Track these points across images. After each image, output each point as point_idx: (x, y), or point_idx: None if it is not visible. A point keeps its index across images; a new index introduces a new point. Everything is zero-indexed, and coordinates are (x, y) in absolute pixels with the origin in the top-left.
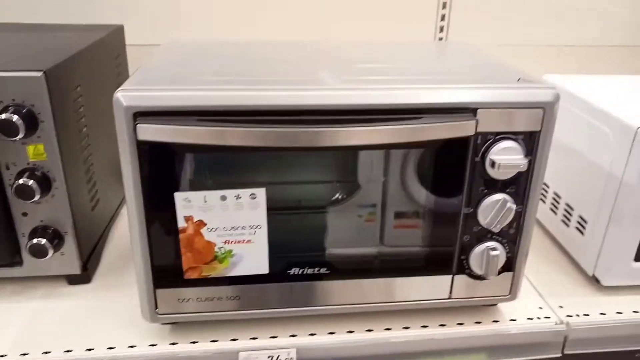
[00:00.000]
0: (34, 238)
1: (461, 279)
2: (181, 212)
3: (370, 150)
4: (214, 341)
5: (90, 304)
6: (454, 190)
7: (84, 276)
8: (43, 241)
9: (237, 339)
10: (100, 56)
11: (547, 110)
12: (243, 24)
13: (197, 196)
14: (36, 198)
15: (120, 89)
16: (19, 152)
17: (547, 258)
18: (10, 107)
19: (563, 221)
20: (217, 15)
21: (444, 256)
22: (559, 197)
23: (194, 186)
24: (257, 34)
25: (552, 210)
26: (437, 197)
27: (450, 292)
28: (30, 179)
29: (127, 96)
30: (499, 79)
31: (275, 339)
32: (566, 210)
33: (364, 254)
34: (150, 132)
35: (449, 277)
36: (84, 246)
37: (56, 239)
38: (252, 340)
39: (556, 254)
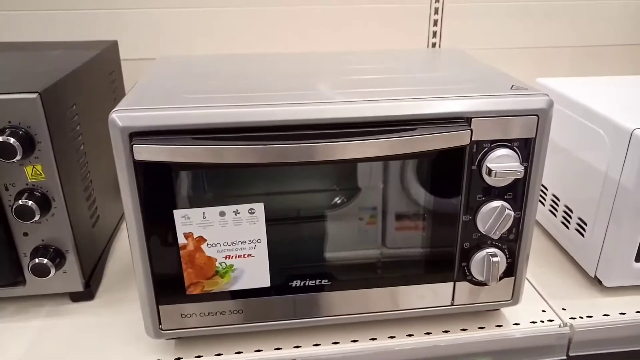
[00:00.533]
0: (35, 257)
1: (463, 286)
2: (181, 229)
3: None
4: (218, 355)
5: (94, 320)
6: (452, 197)
7: (86, 293)
8: (45, 260)
9: (241, 352)
10: (95, 73)
11: (541, 117)
12: (236, 36)
13: (196, 213)
14: (36, 218)
15: (115, 109)
16: (17, 173)
17: (549, 260)
18: (6, 130)
19: (563, 223)
20: (212, 28)
21: (445, 263)
22: (558, 199)
23: (193, 202)
24: (250, 46)
25: (551, 212)
26: (436, 204)
27: (453, 299)
28: (30, 199)
29: (122, 117)
30: (492, 87)
31: (280, 350)
32: (565, 212)
33: (366, 258)
34: (147, 152)
35: (451, 284)
36: (86, 263)
37: (58, 257)
38: (256, 353)
39: (557, 255)
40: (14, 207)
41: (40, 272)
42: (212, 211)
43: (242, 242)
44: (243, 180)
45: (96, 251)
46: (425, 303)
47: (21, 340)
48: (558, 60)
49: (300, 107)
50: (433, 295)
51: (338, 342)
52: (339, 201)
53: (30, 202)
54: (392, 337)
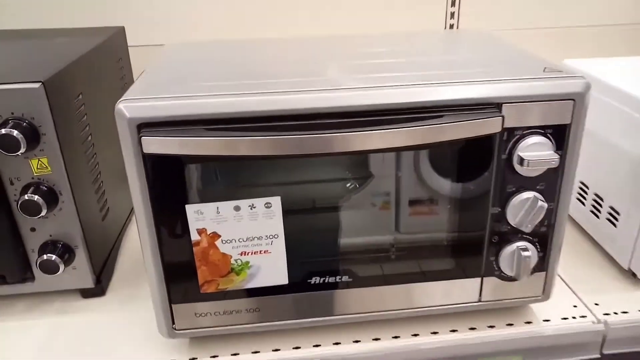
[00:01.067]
0: (43, 254)
1: (491, 281)
2: (194, 225)
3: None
4: (235, 355)
5: (106, 317)
6: (479, 188)
7: (97, 289)
8: (53, 257)
9: (258, 352)
10: (102, 61)
11: (577, 101)
12: (247, 21)
13: (209, 208)
14: (43, 213)
15: (122, 99)
16: (22, 166)
17: (578, 252)
18: (9, 121)
19: (592, 212)
20: (222, 12)
21: (472, 257)
22: (587, 187)
23: (205, 196)
24: (262, 31)
25: (579, 201)
26: (461, 195)
27: (480, 295)
28: (35, 194)
29: (130, 107)
30: (523, 70)
31: (299, 349)
32: (595, 201)
33: (387, 253)
34: (156, 144)
35: (478, 279)
36: (96, 258)
37: (67, 253)
38: (274, 352)
39: (587, 247)
40: (19, 202)
41: (49, 268)
42: (227, 206)
43: (259, 238)
44: (257, 170)
45: (106, 245)
46: (451, 300)
47: (32, 339)
48: (582, 41)
49: (318, 94)
50: (459, 291)
51: (359, 341)
52: (352, 189)
53: (36, 197)
54: (415, 335)
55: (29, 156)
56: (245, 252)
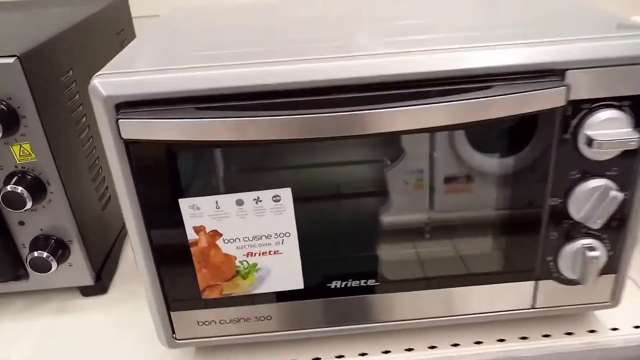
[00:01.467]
0: (34, 250)
1: (547, 285)
2: (189, 222)
3: None
4: None
5: (107, 317)
6: (534, 174)
7: (98, 286)
8: (44, 254)
9: None
10: (99, 32)
11: None
12: None
13: (206, 202)
14: (28, 206)
15: (98, 73)
16: (3, 154)
17: None
18: None
19: None
20: None
21: (524, 257)
22: None
23: (203, 187)
24: None
25: None
26: (512, 182)
27: (534, 301)
28: (19, 184)
29: (106, 83)
30: (589, 28)
31: None
32: None
33: (422, 250)
34: (137, 129)
35: (532, 283)
36: (95, 253)
37: (60, 249)
38: None
39: None
40: (1, 193)
41: (40, 267)
42: (227, 200)
43: (267, 237)
44: (265, 154)
45: (108, 238)
46: (498, 306)
47: (28, 340)
48: None
49: (338, 62)
50: (508, 296)
51: (389, 351)
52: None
53: (19, 188)
54: (455, 345)
55: (9, 142)
56: (252, 253)
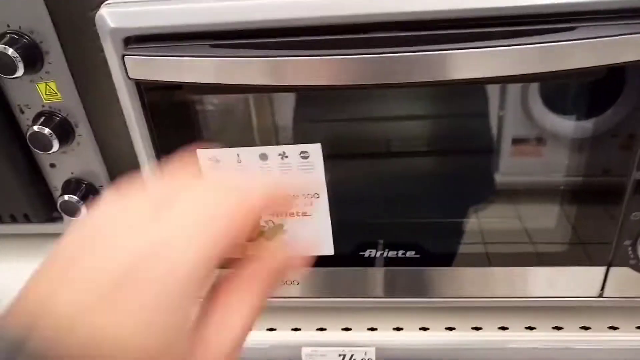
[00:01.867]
0: (65, 194)
1: (621, 272)
2: (209, 176)
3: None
4: (271, 330)
5: None
6: (618, 142)
7: None
8: (74, 198)
9: (300, 329)
10: None
11: None
12: None
13: (227, 154)
14: (55, 148)
15: (105, 2)
16: (30, 92)
17: None
18: (6, 35)
19: None
20: None
21: (597, 239)
22: None
23: (224, 137)
24: None
25: None
26: (587, 153)
27: (602, 289)
28: (46, 125)
29: (114, 13)
30: None
31: (349, 332)
32: None
33: (473, 221)
34: (145, 67)
35: (603, 269)
36: None
37: (91, 194)
38: (318, 332)
39: None
40: (27, 135)
41: (70, 210)
42: (250, 153)
43: (294, 196)
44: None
45: None
46: (559, 291)
47: None
48: None
49: None
50: (573, 281)
51: (427, 329)
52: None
53: (46, 130)
54: (504, 329)
55: (35, 79)
56: (277, 213)
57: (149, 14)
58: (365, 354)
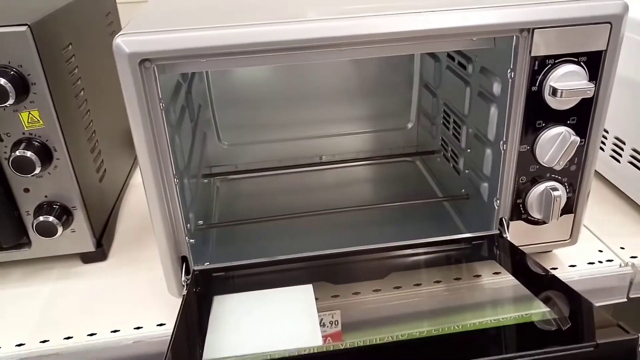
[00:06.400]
0: (40, 215)
1: (517, 225)
2: None
3: None
4: None
5: (109, 282)
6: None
7: (99, 253)
8: (50, 218)
9: None
10: (90, 12)
11: (614, 25)
12: None
13: None
14: (37, 171)
15: (120, 33)
16: (12, 120)
17: (599, 199)
18: None
19: (613, 157)
20: None
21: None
22: (606, 131)
23: None
24: None
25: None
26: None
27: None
28: (28, 149)
29: (130, 41)
30: None
31: (317, 301)
32: (616, 145)
33: None
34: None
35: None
36: (96, 221)
37: (64, 214)
38: None
39: (607, 193)
40: (10, 159)
41: (46, 231)
42: None
43: None
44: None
45: (105, 208)
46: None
47: (32, 307)
48: None
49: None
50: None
51: (380, 290)
52: None
53: (29, 153)
54: (418, 285)
55: (19, 109)
56: None
57: (159, 40)
58: (332, 316)
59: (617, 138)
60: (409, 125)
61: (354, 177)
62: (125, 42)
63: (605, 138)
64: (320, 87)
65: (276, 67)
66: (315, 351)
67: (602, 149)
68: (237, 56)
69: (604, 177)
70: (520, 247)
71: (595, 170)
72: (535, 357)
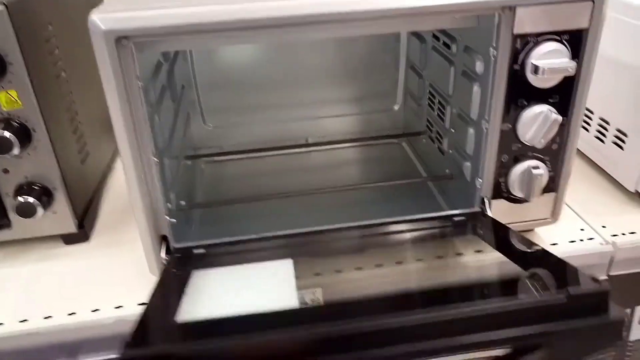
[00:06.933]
0: (19, 196)
1: (499, 204)
2: None
3: None
4: None
5: (91, 263)
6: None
7: (81, 234)
8: (30, 199)
9: None
10: None
11: (596, 2)
12: None
13: None
14: (16, 152)
15: (96, 9)
16: None
17: (582, 178)
18: None
19: (597, 138)
20: None
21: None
22: (591, 112)
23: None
24: None
25: (583, 127)
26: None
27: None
28: (6, 130)
29: (105, 18)
30: None
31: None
32: (600, 126)
33: None
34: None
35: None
36: (78, 202)
37: (45, 195)
38: None
39: (590, 173)
40: None
41: (26, 211)
42: None
43: None
44: None
45: (87, 189)
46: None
47: (12, 287)
48: None
49: None
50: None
51: (361, 268)
52: None
53: (7, 133)
54: (399, 263)
55: None
56: None
57: (137, 18)
58: (314, 294)
59: (602, 119)
60: (396, 107)
61: (340, 159)
62: (101, 20)
63: (590, 119)
64: (306, 68)
65: (262, 48)
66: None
67: (586, 129)
68: (217, 33)
69: (588, 158)
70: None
71: (580, 151)
72: (509, 308)
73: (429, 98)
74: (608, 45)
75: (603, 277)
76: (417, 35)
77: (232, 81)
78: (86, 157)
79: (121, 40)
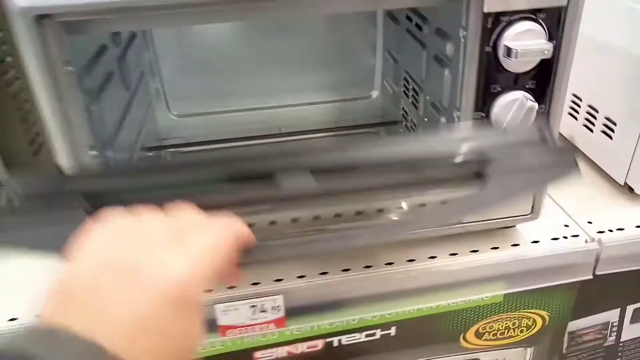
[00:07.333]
0: None
1: None
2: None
3: None
4: None
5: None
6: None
7: None
8: None
9: (211, 290)
10: None
11: None
12: None
13: None
14: None
15: None
16: None
17: None
18: None
19: (586, 126)
20: None
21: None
22: (579, 99)
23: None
24: None
25: (571, 115)
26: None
27: None
28: None
29: None
30: None
31: (258, 285)
32: (589, 114)
33: None
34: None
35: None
36: None
37: None
38: (229, 290)
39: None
40: None
41: None
42: None
43: None
44: None
45: None
46: None
47: None
48: None
49: None
50: None
51: (327, 272)
52: None
53: None
54: (389, 264)
55: None
56: None
57: None
58: (274, 302)
59: (590, 106)
60: (374, 95)
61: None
62: None
63: (579, 106)
64: (279, 53)
65: (231, 31)
66: None
67: (575, 117)
68: (156, 12)
69: (577, 148)
70: (480, 222)
71: (568, 140)
72: None
73: (404, 85)
74: (597, 28)
75: (589, 277)
76: (392, 17)
77: (199, 67)
78: (40, 148)
79: (43, 19)
